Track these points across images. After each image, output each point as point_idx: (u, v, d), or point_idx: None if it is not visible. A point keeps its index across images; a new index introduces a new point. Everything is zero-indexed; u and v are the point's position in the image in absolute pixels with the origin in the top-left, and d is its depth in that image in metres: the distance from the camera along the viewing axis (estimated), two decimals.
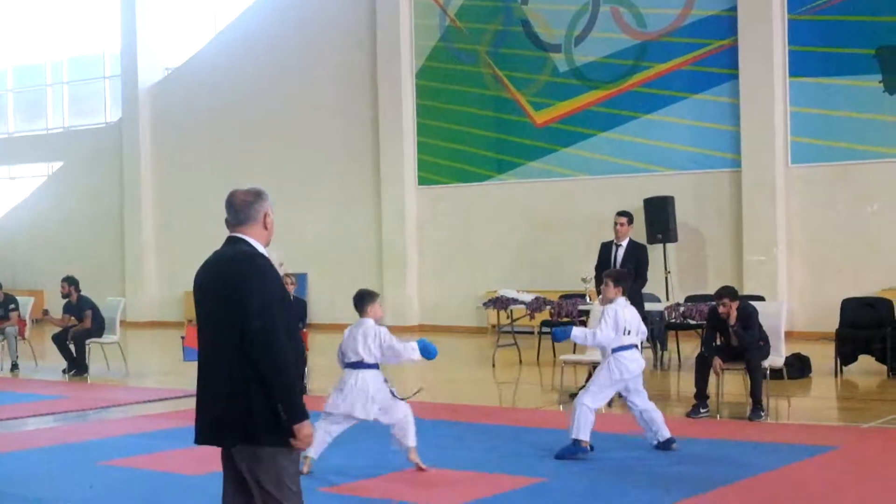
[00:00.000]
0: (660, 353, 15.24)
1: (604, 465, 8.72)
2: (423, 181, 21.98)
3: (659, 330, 15.00)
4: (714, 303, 11.19)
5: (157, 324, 24.58)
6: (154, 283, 25.58)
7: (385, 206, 22.24)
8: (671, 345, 15.65)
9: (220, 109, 24.67)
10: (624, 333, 9.10)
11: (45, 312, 16.67)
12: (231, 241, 4.89)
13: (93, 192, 26.84)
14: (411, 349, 8.31)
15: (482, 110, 21.23)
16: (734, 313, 10.82)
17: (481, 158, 21.26)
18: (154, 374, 16.45)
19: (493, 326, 18.67)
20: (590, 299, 14.50)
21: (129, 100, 26.01)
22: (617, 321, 9.05)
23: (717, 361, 10.86)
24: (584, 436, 8.84)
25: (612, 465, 8.72)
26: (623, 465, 8.74)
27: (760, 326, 10.95)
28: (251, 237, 4.88)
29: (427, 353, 8.41)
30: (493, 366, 15.66)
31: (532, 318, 15.83)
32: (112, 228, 26.26)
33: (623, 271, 9.53)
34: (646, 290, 13.33)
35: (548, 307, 15.28)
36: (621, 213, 12.88)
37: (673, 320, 14.46)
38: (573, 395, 12.26)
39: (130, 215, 25.99)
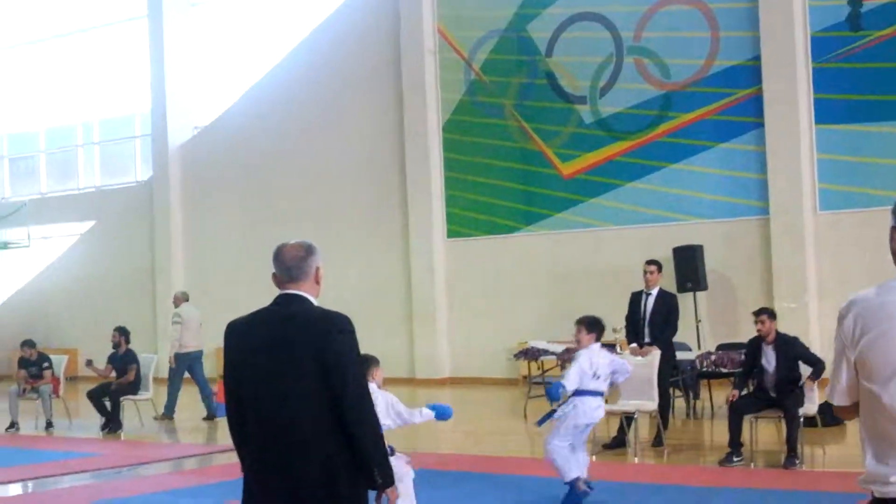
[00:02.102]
0: (692, 401, 15.20)
1: None
2: (451, 234, 22.07)
3: (691, 378, 14.97)
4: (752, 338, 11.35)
5: (188, 380, 24.63)
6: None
7: (414, 259, 22.35)
8: (703, 393, 15.61)
9: (248, 166, 24.91)
10: (593, 377, 9.26)
11: (90, 363, 16.77)
12: (292, 299, 4.65)
13: (124, 251, 27.08)
14: (419, 415, 8.14)
15: (509, 162, 21.35)
16: (773, 332, 11.01)
17: (509, 210, 21.35)
18: (187, 430, 16.51)
19: (524, 377, 18.66)
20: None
21: (160, 158, 26.30)
22: (582, 366, 9.21)
23: (735, 393, 10.93)
24: (576, 473, 8.96)
25: None
26: None
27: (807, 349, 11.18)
28: (307, 293, 4.68)
29: (442, 415, 8.36)
30: (525, 417, 15.64)
31: (563, 368, 15.82)
32: (144, 285, 26.45)
33: (596, 318, 9.66)
34: (676, 338, 13.34)
35: None
36: (650, 262, 12.93)
37: (705, 369, 14.43)
38: (605, 446, 12.34)
39: (161, 272, 26.18)
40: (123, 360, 16.01)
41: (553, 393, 9.22)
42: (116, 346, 16.14)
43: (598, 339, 9.44)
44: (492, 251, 21.57)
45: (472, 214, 21.81)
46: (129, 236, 26.97)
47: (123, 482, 11.67)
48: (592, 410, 9.20)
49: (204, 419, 16.92)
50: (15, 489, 11.68)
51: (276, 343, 4.51)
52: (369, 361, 8.09)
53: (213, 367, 24.25)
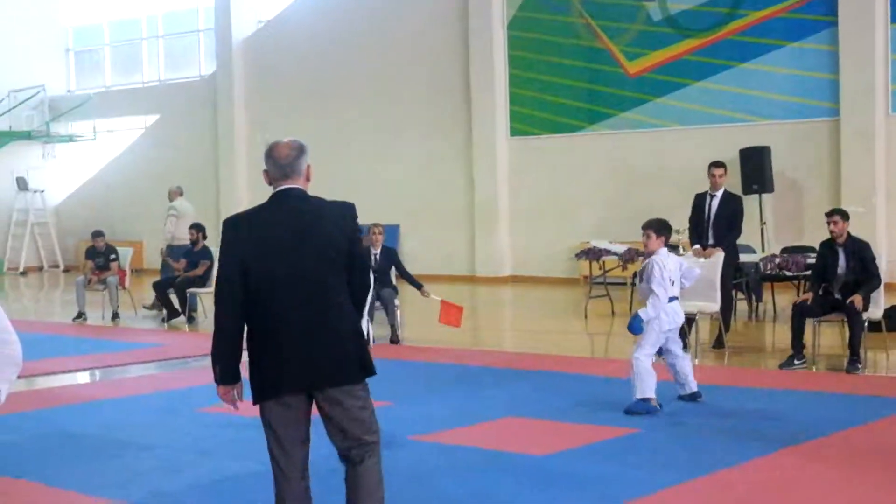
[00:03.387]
0: (755, 304, 15.09)
1: (699, 418, 8.66)
2: (514, 132, 21.90)
3: (754, 281, 14.84)
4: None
5: None
6: None
7: (477, 158, 22.23)
8: (766, 296, 15.49)
9: (312, 61, 24.79)
10: (670, 284, 8.98)
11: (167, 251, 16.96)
12: (296, 192, 4.95)
13: (188, 145, 27.20)
14: None
15: (575, 61, 21.04)
16: (845, 234, 10.87)
17: (574, 109, 21.10)
18: None
19: (585, 278, 18.60)
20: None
21: (223, 53, 26.26)
22: (659, 280, 8.90)
23: (855, 298, 10.60)
24: (650, 393, 8.75)
25: (708, 418, 8.65)
26: (719, 417, 8.67)
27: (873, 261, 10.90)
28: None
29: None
30: (586, 317, 15.62)
31: (624, 268, 15.76)
32: (207, 180, 26.59)
33: (664, 220, 9.26)
34: (741, 241, 13.18)
35: (640, 258, 15.18)
36: (716, 164, 12.71)
37: (768, 272, 14.28)
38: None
39: (224, 167, 26.31)
40: (198, 255, 16.20)
41: (636, 327, 8.93)
42: (194, 242, 16.31)
43: (666, 242, 9.14)
44: (555, 150, 21.39)
45: (535, 113, 21.61)
46: (192, 131, 27.07)
47: (187, 373, 11.84)
48: (675, 315, 9.03)
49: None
50: (83, 377, 11.92)
51: (310, 231, 4.86)
52: None
53: None
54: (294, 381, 4.83)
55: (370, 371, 4.92)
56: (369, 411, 4.93)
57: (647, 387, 8.75)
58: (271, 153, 4.99)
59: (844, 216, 11.02)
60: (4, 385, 4.13)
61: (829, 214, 11.08)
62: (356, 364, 4.89)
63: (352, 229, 4.96)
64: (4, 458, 7.58)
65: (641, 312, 8.92)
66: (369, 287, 5.21)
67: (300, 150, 5.01)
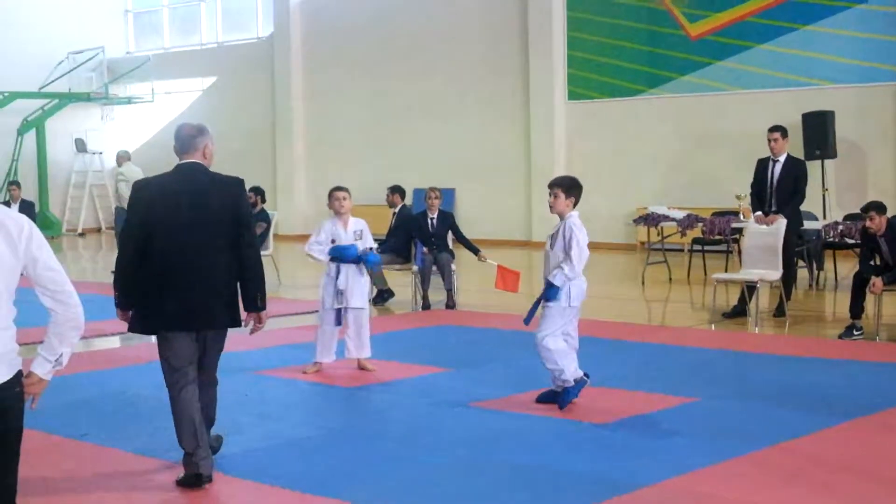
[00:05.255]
0: (816, 272, 14.88)
1: (759, 387, 8.54)
2: (572, 96, 21.69)
3: (816, 249, 14.62)
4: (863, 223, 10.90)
5: (306, 237, 24.91)
6: (304, 197, 25.92)
7: (534, 121, 22.06)
8: (828, 264, 15.26)
9: (369, 24, 24.67)
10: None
11: None
12: (196, 166, 6.05)
13: (245, 108, 27.23)
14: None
15: (635, 23, 20.75)
16: (883, 227, 10.53)
17: (633, 72, 20.83)
18: (305, 286, 16.72)
19: (643, 243, 18.45)
20: (743, 217, 14.18)
21: (281, 14, 26.20)
22: (582, 245, 7.79)
23: (876, 282, 10.49)
24: (578, 372, 7.86)
25: (768, 387, 8.53)
26: (781, 386, 8.54)
27: None
28: (201, 163, 6.10)
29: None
30: (643, 283, 15.48)
31: (683, 235, 15.58)
32: (264, 143, 26.65)
33: (575, 179, 8.14)
34: (802, 207, 12.97)
35: (699, 224, 15.02)
36: (774, 129, 12.49)
37: (830, 239, 14.06)
38: (726, 315, 12.15)
39: (282, 130, 26.32)
40: (256, 218, 16.26)
41: (554, 295, 7.83)
42: (253, 205, 16.39)
43: (576, 205, 7.94)
44: (613, 114, 21.16)
45: (594, 76, 21.37)
46: (250, 93, 27.09)
47: (242, 336, 11.81)
48: (582, 287, 7.97)
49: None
50: (138, 338, 11.94)
51: (199, 199, 5.95)
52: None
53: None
54: (177, 323, 5.97)
55: (235, 323, 6.11)
56: (220, 354, 6.26)
57: (573, 366, 7.84)
58: (177, 132, 6.11)
59: (881, 210, 10.68)
60: (67, 349, 4.15)
61: (865, 210, 10.74)
62: (225, 315, 6.04)
63: (238, 198, 6.08)
64: (64, 419, 7.61)
65: (556, 280, 7.81)
66: (256, 247, 6.19)
67: (199, 131, 6.10)
